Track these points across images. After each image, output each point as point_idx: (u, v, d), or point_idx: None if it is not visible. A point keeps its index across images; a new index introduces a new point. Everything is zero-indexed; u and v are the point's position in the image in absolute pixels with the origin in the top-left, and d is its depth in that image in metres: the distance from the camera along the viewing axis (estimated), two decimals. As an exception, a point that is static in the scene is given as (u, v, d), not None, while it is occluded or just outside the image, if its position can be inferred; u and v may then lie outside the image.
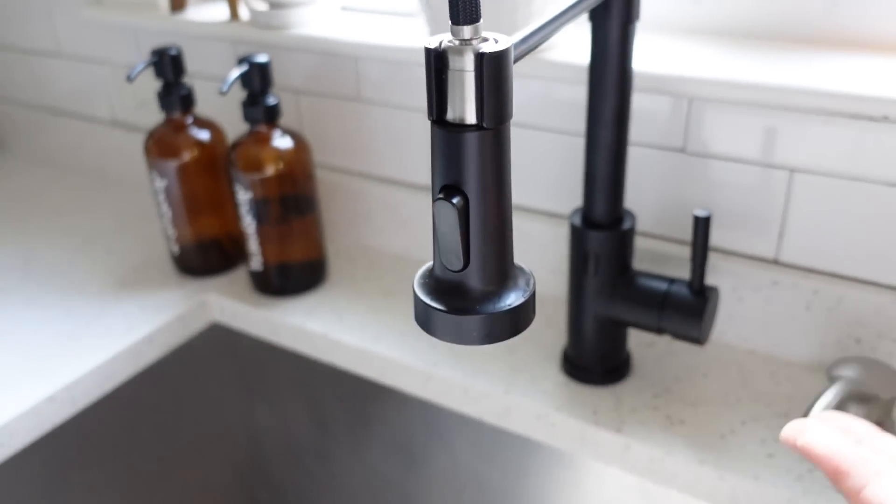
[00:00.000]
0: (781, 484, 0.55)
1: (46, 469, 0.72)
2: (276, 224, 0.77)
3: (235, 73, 0.71)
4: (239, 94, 0.91)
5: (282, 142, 0.76)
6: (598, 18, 0.54)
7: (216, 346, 0.85)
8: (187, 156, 0.80)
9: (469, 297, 0.37)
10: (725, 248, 0.69)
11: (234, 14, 0.86)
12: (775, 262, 0.67)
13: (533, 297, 0.38)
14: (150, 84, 0.99)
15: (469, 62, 0.32)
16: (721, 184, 0.66)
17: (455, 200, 0.34)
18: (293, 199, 0.78)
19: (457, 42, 0.32)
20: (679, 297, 0.60)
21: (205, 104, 0.89)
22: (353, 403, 0.79)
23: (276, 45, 0.83)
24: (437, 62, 0.32)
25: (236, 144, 0.76)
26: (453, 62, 0.32)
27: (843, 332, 0.64)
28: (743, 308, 0.68)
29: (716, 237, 0.68)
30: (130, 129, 1.07)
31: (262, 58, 0.73)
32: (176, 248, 0.84)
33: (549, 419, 0.64)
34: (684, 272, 0.69)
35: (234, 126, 0.90)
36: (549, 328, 0.73)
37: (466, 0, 0.31)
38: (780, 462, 0.57)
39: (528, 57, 0.59)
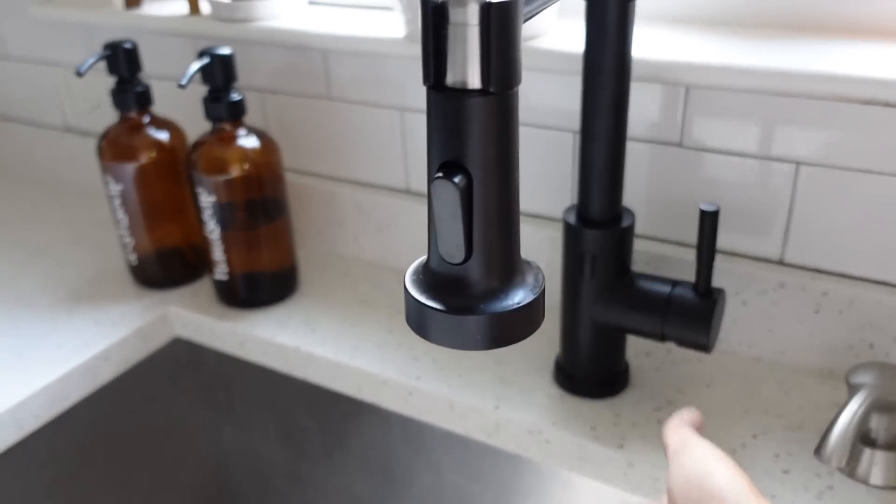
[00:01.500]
0: (800, 502, 0.51)
1: (-13, 503, 0.65)
2: (242, 230, 0.72)
3: (196, 65, 0.66)
4: (200, 91, 0.85)
5: (247, 141, 0.70)
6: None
7: (178, 362, 0.78)
8: (144, 158, 0.74)
9: (471, 294, 0.31)
10: (727, 249, 0.64)
11: (193, 8, 0.80)
12: (781, 262, 0.63)
13: (543, 294, 0.32)
14: (105, 85, 0.93)
15: (473, 14, 0.27)
16: (721, 180, 0.62)
17: (457, 179, 0.29)
18: (261, 202, 0.72)
19: (458, -9, 0.27)
20: (684, 300, 0.55)
21: (163, 105, 0.83)
22: (328, 422, 0.73)
23: (240, 39, 0.78)
24: (435, 16, 0.27)
25: (198, 144, 0.70)
26: (455, 15, 0.27)
27: (855, 337, 0.60)
28: (747, 312, 0.64)
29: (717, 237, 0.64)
30: (83, 134, 1.00)
31: (224, 49, 0.68)
32: (133, 258, 0.78)
33: (544, 435, 0.59)
34: (682, 274, 0.64)
35: (196, 127, 0.84)
36: (539, 337, 0.68)
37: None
38: (797, 478, 0.53)
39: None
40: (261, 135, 0.71)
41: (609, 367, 0.61)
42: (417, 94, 0.73)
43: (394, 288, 0.77)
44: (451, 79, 0.28)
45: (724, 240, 0.64)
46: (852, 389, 0.50)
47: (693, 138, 0.62)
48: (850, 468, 0.52)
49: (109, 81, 0.92)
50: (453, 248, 0.30)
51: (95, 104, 0.96)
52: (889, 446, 0.51)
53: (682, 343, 0.56)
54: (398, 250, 0.80)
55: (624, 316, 0.57)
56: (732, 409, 0.59)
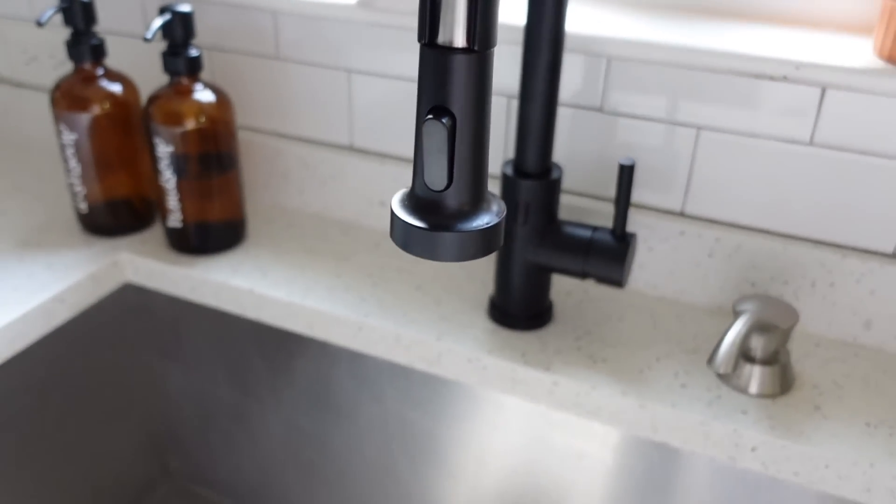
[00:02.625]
0: (695, 409, 0.61)
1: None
2: (196, 180, 0.76)
3: (158, 21, 0.69)
4: (148, 48, 0.88)
5: (204, 95, 0.75)
6: (536, -25, 0.57)
7: (127, 306, 0.82)
8: (98, 109, 0.77)
9: (447, 215, 0.39)
10: (637, 203, 0.74)
11: (144, -35, 0.83)
12: (682, 214, 0.73)
13: (504, 220, 0.40)
14: (41, 37, 0.94)
15: (462, -14, 0.34)
16: (634, 142, 0.71)
17: (444, 120, 0.36)
18: (215, 155, 0.76)
19: (450, -34, 0.34)
20: (603, 242, 0.64)
21: (112, 60, 0.85)
22: (275, 360, 0.79)
23: (192, -2, 0.81)
24: (431, -14, 0.34)
25: (155, 97, 0.74)
26: (447, -14, 0.34)
27: (740, 277, 0.71)
28: (653, 257, 0.74)
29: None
30: (17, 85, 1.00)
31: (184, 7, 0.71)
32: (84, 207, 0.81)
33: (481, 363, 0.67)
34: (600, 223, 0.73)
35: (145, 82, 0.87)
36: (472, 281, 0.76)
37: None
38: (693, 391, 0.63)
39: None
40: (216, 90, 0.76)
41: (537, 303, 0.70)
42: (363, 57, 0.79)
43: (338, 238, 0.83)
44: (441, 38, 0.35)
45: (634, 194, 0.74)
46: (737, 314, 0.61)
47: (611, 104, 0.71)
48: (734, 381, 0.63)
49: (46, 34, 0.94)
50: (437, 178, 0.37)
51: (32, 56, 0.97)
52: (764, 362, 0.62)
53: (601, 280, 0.65)
54: (342, 203, 0.86)
55: (551, 257, 0.66)
56: (641, 338, 0.69)
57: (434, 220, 0.39)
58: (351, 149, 0.84)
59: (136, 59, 0.90)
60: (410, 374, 0.72)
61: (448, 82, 0.36)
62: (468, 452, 0.74)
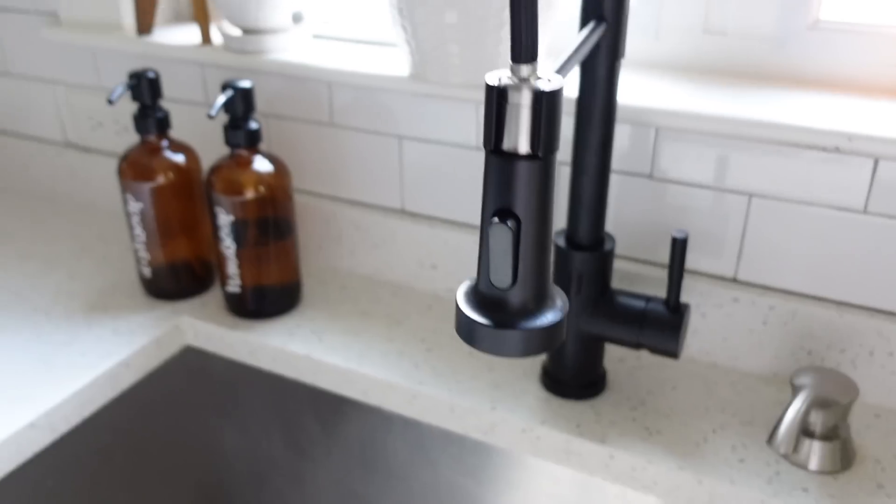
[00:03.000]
0: (755, 486, 0.60)
1: (24, 500, 0.70)
2: (255, 247, 0.78)
3: (222, 98, 0.72)
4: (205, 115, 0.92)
5: (262, 165, 0.77)
6: (588, 55, 0.58)
7: (188, 369, 0.84)
8: (162, 178, 0.80)
9: (512, 312, 0.40)
10: (689, 268, 0.74)
11: (205, 38, 0.87)
12: (734, 280, 0.73)
13: (566, 316, 0.41)
14: (105, 105, 0.98)
15: (527, 98, 0.35)
16: (685, 207, 0.72)
17: (510, 223, 0.37)
18: (273, 221, 0.79)
19: (516, 80, 0.35)
20: (657, 314, 0.64)
21: (174, 127, 0.89)
22: (329, 423, 0.80)
23: (249, 69, 0.84)
24: (498, 97, 0.36)
25: (216, 168, 0.77)
26: (512, 97, 0.35)
27: (796, 345, 0.70)
28: (706, 324, 0.73)
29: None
30: (83, 150, 1.05)
31: (245, 83, 0.74)
32: (147, 272, 0.84)
33: (535, 433, 0.67)
34: (650, 289, 0.74)
35: (205, 148, 0.91)
36: (525, 345, 0.77)
37: (528, 41, 0.34)
38: (751, 466, 0.62)
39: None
40: (274, 160, 0.78)
41: (590, 371, 0.70)
42: (414, 125, 0.81)
43: (390, 301, 0.85)
44: (506, 144, 0.37)
45: (686, 259, 0.74)
46: (795, 389, 0.60)
47: (661, 171, 0.71)
48: (793, 456, 0.62)
49: (105, 100, 0.98)
50: (503, 277, 0.39)
51: (98, 122, 1.01)
52: (824, 437, 0.61)
53: (655, 351, 0.65)
54: (392, 265, 0.87)
55: (605, 327, 0.66)
56: (696, 408, 0.69)
57: (499, 318, 0.40)
58: (402, 212, 0.86)
59: (196, 126, 0.93)
60: (463, 441, 0.73)
61: (513, 187, 0.37)
62: (522, 519, 0.74)
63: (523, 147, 0.36)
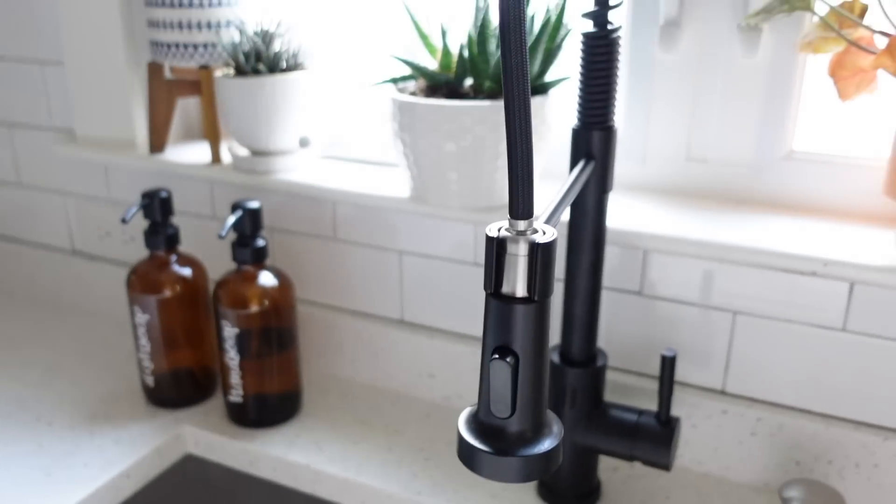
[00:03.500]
0: None
1: None
2: (258, 358, 0.81)
3: (232, 218, 0.77)
4: (216, 228, 0.96)
5: (267, 279, 0.81)
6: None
7: (188, 477, 0.85)
8: (170, 292, 0.83)
9: (511, 440, 0.42)
10: (679, 380, 0.77)
11: (215, 158, 0.92)
12: (723, 392, 0.75)
13: (562, 441, 0.43)
14: (114, 215, 1.02)
15: (524, 249, 0.39)
16: (673, 322, 0.75)
17: (509, 360, 0.40)
18: (277, 333, 0.82)
19: (514, 232, 0.39)
20: (649, 427, 0.67)
21: (183, 239, 0.92)
22: (328, 534, 0.81)
23: (257, 188, 0.89)
24: (497, 248, 0.39)
25: (223, 283, 0.80)
26: (511, 248, 0.39)
27: (784, 456, 0.73)
28: (697, 434, 0.76)
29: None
30: (90, 258, 1.08)
31: (254, 204, 0.79)
32: (150, 381, 0.86)
33: (532, 545, 0.68)
34: (641, 400, 0.76)
35: (212, 260, 0.94)
36: (521, 455, 0.79)
37: (524, 202, 0.38)
38: (744, 579, 0.64)
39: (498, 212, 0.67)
40: (279, 274, 0.82)
41: (585, 482, 0.72)
42: (414, 241, 0.85)
43: (389, 409, 0.87)
44: (505, 288, 0.40)
45: (676, 372, 0.77)
46: (784, 502, 0.62)
47: (650, 288, 0.75)
48: (787, 570, 0.63)
49: (120, 211, 1.02)
50: (503, 408, 0.41)
51: (106, 231, 1.05)
52: (816, 551, 0.63)
53: (648, 463, 0.67)
54: (392, 373, 0.90)
55: (599, 440, 0.68)
56: (688, 519, 0.70)
57: (498, 445, 0.42)
58: (402, 322, 0.89)
59: (203, 239, 0.97)
60: (462, 552, 0.73)
61: (511, 327, 0.40)
62: None
63: (520, 291, 0.40)
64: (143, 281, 0.83)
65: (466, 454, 0.43)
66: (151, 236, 0.83)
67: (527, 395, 0.42)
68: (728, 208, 0.75)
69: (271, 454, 0.79)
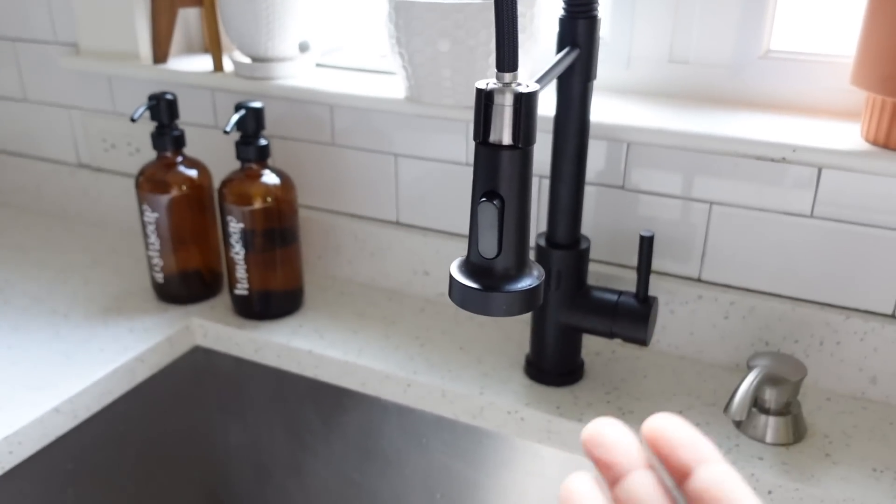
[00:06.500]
0: (715, 456, 0.67)
1: (44, 481, 0.76)
2: (262, 253, 0.86)
3: (235, 116, 0.80)
4: (217, 137, 0.99)
5: (270, 179, 0.85)
6: (563, 77, 0.67)
7: (196, 367, 0.91)
8: (176, 191, 0.88)
9: (497, 278, 0.47)
10: (658, 270, 0.82)
11: (217, 66, 0.95)
12: (699, 280, 0.81)
13: (542, 282, 0.48)
14: (119, 127, 1.06)
15: (510, 99, 0.43)
16: (654, 216, 0.80)
17: (496, 202, 0.45)
18: (279, 230, 0.86)
19: (500, 84, 0.43)
20: (628, 305, 0.72)
21: (187, 147, 0.96)
22: (329, 416, 0.87)
23: (257, 94, 0.93)
24: (485, 99, 0.44)
25: (228, 181, 0.84)
26: (497, 99, 0.43)
27: (754, 337, 0.78)
28: (674, 319, 0.81)
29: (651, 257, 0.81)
30: (96, 170, 1.12)
31: (256, 103, 0.82)
32: (160, 277, 0.90)
33: (519, 414, 0.74)
34: (624, 288, 0.81)
35: (215, 167, 0.98)
36: (510, 341, 0.84)
37: (510, 54, 0.42)
38: (713, 440, 0.69)
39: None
40: (281, 174, 0.86)
41: (569, 361, 0.77)
42: (409, 143, 0.89)
43: (386, 304, 0.92)
44: (492, 137, 0.45)
45: (655, 263, 0.82)
46: (750, 369, 0.68)
47: (632, 183, 0.80)
48: (751, 431, 0.69)
49: (124, 124, 1.06)
50: (489, 248, 0.46)
51: (111, 144, 1.09)
52: (778, 413, 0.68)
53: (627, 339, 0.72)
54: (388, 272, 0.95)
55: (582, 318, 0.73)
56: (664, 393, 0.76)
57: (486, 283, 0.47)
58: (397, 224, 0.94)
59: (207, 146, 1.01)
60: (454, 425, 0.79)
61: (498, 172, 0.45)
62: (508, 500, 0.80)
63: (506, 139, 0.44)
64: (151, 181, 0.87)
65: (457, 294, 0.48)
66: (159, 137, 0.87)
67: (511, 235, 0.46)
68: (708, 107, 0.79)
69: (275, 342, 0.85)
